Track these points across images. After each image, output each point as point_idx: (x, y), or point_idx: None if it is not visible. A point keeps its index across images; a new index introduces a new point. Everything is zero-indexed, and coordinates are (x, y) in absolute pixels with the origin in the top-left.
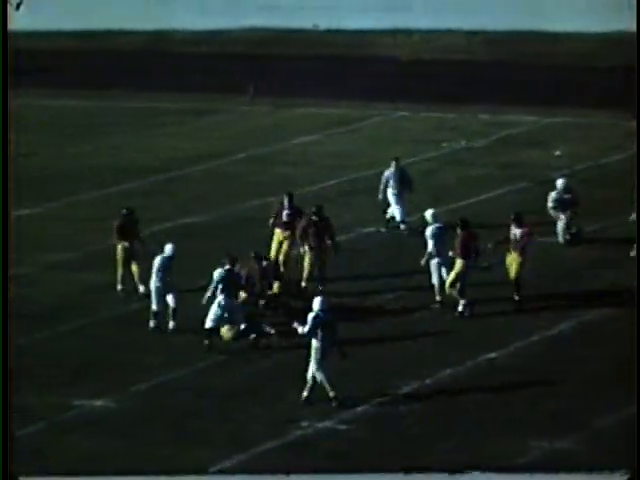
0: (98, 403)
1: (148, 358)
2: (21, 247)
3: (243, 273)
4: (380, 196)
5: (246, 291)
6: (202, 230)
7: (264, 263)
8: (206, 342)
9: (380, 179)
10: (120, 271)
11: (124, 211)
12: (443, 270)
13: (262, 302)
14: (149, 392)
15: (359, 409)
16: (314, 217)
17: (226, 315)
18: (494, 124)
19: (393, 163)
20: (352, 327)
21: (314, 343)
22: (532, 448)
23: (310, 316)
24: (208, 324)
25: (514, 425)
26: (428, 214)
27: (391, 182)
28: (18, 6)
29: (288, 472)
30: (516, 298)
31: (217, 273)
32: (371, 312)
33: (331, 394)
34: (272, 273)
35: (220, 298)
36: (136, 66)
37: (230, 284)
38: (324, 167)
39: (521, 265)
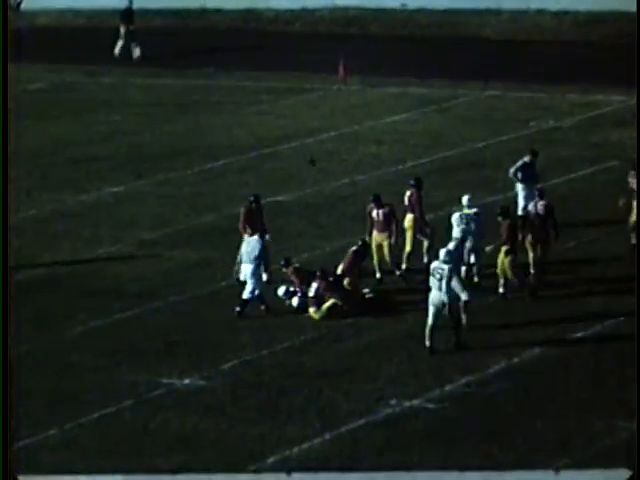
0: (186, 381)
1: (238, 336)
2: (114, 225)
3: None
4: (518, 187)
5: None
6: (293, 208)
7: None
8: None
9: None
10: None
11: (251, 198)
12: (472, 255)
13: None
14: (238, 370)
15: (447, 388)
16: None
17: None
18: (582, 104)
19: (528, 155)
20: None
21: None
22: (619, 429)
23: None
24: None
25: (601, 406)
26: (465, 199)
27: (519, 173)
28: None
29: (289, 471)
30: (501, 290)
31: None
32: None
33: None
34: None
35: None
36: (228, 45)
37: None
38: (414, 146)
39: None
